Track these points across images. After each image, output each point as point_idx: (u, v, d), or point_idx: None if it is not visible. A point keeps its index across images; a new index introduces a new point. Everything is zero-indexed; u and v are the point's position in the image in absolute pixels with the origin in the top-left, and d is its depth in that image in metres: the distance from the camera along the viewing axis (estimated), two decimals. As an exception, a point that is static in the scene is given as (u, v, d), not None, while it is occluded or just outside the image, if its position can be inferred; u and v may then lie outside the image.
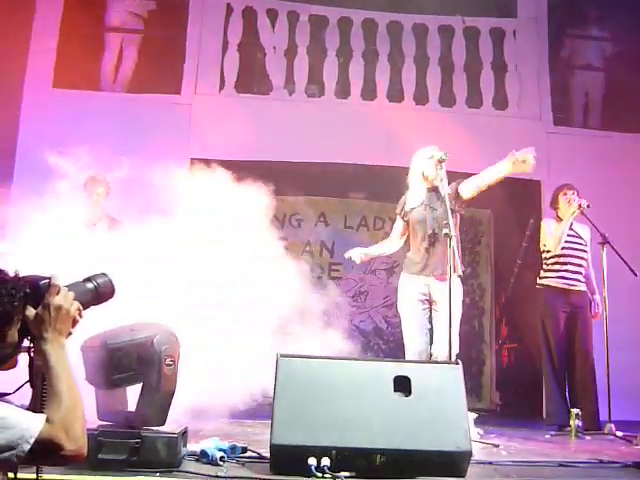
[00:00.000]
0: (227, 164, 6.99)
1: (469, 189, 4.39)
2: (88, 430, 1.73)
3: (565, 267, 5.38)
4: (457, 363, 2.90)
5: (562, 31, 8.11)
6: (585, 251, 5.48)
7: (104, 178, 5.73)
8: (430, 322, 4.37)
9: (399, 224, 4.68)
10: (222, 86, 7.31)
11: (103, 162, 6.25)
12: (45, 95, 7.00)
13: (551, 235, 5.39)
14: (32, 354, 1.77)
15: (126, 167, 6.40)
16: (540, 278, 5.50)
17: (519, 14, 7.82)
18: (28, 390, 1.79)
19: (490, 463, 3.19)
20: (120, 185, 5.89)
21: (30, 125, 6.87)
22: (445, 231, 3.94)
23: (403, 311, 4.42)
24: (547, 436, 4.86)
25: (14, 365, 1.82)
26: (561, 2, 8.03)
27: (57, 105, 6.90)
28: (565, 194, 5.44)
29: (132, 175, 6.42)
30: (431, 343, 4.32)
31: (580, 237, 5.46)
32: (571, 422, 4.81)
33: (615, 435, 4.73)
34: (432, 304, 4.38)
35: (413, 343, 4.29)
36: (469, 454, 2.73)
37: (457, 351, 4.00)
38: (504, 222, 7.70)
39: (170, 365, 2.63)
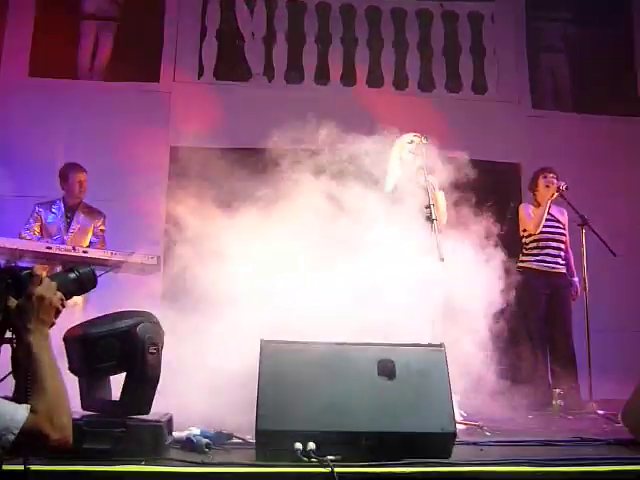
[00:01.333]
0: (207, 152, 7.02)
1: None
2: (72, 420, 1.72)
3: (545, 250, 5.44)
4: (441, 346, 2.92)
5: (534, 14, 8.11)
6: (564, 234, 5.54)
7: (81, 167, 5.65)
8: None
9: None
10: (201, 73, 7.25)
11: (81, 151, 6.22)
12: (21, 84, 6.90)
13: (530, 219, 5.44)
14: (15, 345, 1.76)
15: (104, 155, 6.37)
16: (520, 261, 5.54)
17: (497, -2, 7.84)
18: (11, 382, 1.78)
19: (475, 444, 3.22)
20: (98, 173, 5.85)
21: (6, 114, 6.77)
22: (427, 214, 3.94)
23: None
24: (530, 416, 4.92)
25: (-4, 356, 1.81)
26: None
27: (34, 94, 6.80)
28: (545, 177, 5.49)
29: (111, 163, 6.40)
30: None
31: (558, 220, 5.52)
32: (553, 402, 4.88)
33: (597, 413, 4.80)
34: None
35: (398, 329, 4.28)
36: (453, 435, 2.76)
37: (442, 334, 4.01)
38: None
39: (154, 353, 2.62)
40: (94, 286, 2.00)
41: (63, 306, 1.84)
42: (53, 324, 1.82)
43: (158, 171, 6.76)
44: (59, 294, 1.82)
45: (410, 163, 4.44)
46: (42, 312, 1.76)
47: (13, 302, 1.76)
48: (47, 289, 1.78)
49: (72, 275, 1.94)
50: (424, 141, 4.26)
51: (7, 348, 1.79)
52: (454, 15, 7.69)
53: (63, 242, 5.35)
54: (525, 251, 5.53)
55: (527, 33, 7.95)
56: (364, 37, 7.53)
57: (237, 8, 7.40)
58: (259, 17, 7.40)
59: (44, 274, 1.81)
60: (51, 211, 5.56)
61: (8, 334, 1.78)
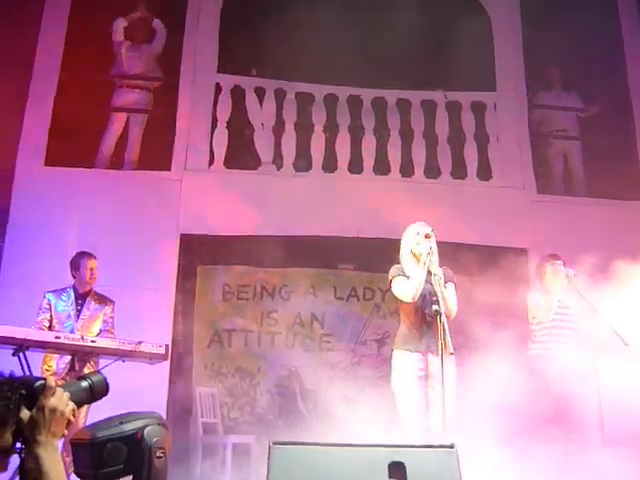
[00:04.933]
0: (217, 239, 7.12)
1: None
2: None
3: (554, 338, 5.40)
4: (452, 447, 2.86)
5: (538, 101, 8.36)
6: (575, 321, 5.49)
7: (92, 254, 5.71)
8: (426, 397, 4.28)
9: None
10: (211, 162, 7.42)
11: (91, 239, 6.30)
12: (37, 173, 7.04)
13: (540, 307, 5.43)
14: (23, 456, 1.76)
15: (114, 243, 6.46)
16: (531, 349, 5.49)
17: (498, 87, 8.08)
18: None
19: None
20: (108, 261, 5.91)
21: (20, 204, 6.89)
22: (435, 308, 3.93)
23: (399, 389, 4.31)
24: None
25: (5, 468, 1.81)
26: (536, 74, 8.32)
27: (48, 183, 6.95)
28: (553, 264, 5.50)
29: (121, 252, 6.48)
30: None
31: (568, 307, 5.48)
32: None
33: None
34: (428, 379, 4.29)
35: (410, 423, 4.19)
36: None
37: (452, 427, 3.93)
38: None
39: (161, 457, 2.57)
40: (106, 394, 2.01)
41: (75, 417, 1.84)
42: (64, 435, 1.82)
43: (168, 259, 6.84)
44: (71, 405, 1.83)
45: (419, 255, 4.43)
46: (54, 424, 1.76)
47: (26, 414, 1.76)
48: (59, 400, 1.79)
49: (84, 384, 1.95)
50: (431, 233, 4.30)
51: (16, 459, 1.79)
52: (457, 105, 7.90)
53: (73, 330, 5.37)
54: (535, 339, 5.49)
55: (535, 120, 8.17)
56: (370, 126, 7.72)
57: (247, 100, 7.63)
58: (268, 108, 7.62)
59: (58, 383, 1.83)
60: (61, 299, 5.58)
61: (17, 444, 1.78)
